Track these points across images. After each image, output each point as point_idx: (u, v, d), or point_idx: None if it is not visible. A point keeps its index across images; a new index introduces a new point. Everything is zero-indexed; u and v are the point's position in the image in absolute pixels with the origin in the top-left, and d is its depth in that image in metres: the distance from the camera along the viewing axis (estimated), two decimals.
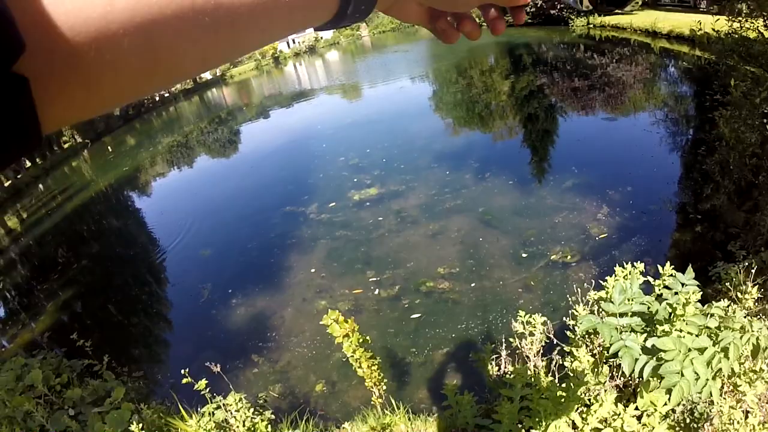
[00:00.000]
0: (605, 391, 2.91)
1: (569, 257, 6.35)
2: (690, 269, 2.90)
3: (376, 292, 6.56)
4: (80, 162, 26.50)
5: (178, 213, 12.24)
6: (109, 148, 28.10)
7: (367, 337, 3.44)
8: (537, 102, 15.48)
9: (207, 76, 60.52)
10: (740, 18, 6.79)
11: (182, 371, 3.35)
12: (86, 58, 0.27)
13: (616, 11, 28.33)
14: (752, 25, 6.63)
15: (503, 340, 3.66)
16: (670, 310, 2.87)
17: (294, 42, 71.40)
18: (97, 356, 4.74)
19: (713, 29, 7.38)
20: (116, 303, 8.52)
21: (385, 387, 3.74)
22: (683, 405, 2.74)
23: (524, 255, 6.66)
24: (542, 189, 8.79)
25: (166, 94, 52.35)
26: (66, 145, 28.78)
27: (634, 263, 3.37)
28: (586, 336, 3.30)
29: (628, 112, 12.84)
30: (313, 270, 7.53)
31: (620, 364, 2.85)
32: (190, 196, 14.15)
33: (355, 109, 21.27)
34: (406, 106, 18.57)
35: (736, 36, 6.70)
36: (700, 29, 7.47)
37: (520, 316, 3.41)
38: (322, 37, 70.56)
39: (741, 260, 4.83)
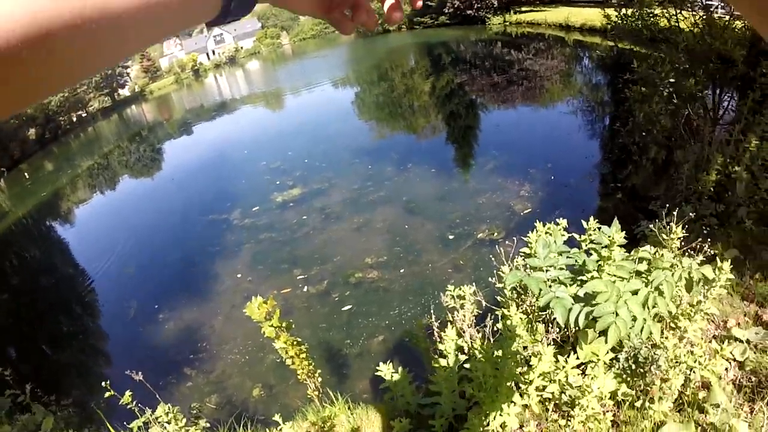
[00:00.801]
0: (542, 348, 2.78)
1: (495, 234, 6.39)
2: (616, 222, 2.86)
3: (305, 289, 6.36)
4: None
5: (102, 237, 11.73)
6: (26, 174, 26.54)
7: (291, 321, 3.21)
8: (458, 99, 15.75)
9: (125, 92, 58.82)
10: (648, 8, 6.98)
11: (103, 384, 3.16)
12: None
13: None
14: (662, 11, 6.83)
15: (438, 319, 3.53)
16: (598, 258, 2.80)
17: (214, 53, 70.50)
18: (22, 387, 4.33)
19: (622, 15, 7.56)
20: (41, 332, 8.01)
21: (320, 379, 3.57)
22: (626, 352, 2.65)
23: (451, 237, 6.63)
24: (465, 174, 8.88)
25: (84, 114, 50.37)
26: None
27: (557, 221, 3.32)
28: (516, 297, 3.21)
29: (547, 101, 13.30)
30: (239, 275, 7.26)
31: (554, 319, 2.78)
32: (113, 219, 13.46)
33: (276, 116, 21.14)
34: (328, 109, 18.52)
35: (643, 21, 6.90)
36: (605, 18, 7.69)
37: (449, 290, 3.30)
38: (242, 47, 70.15)
39: (662, 218, 4.95)
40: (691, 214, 4.78)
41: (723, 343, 2.92)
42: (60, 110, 49.20)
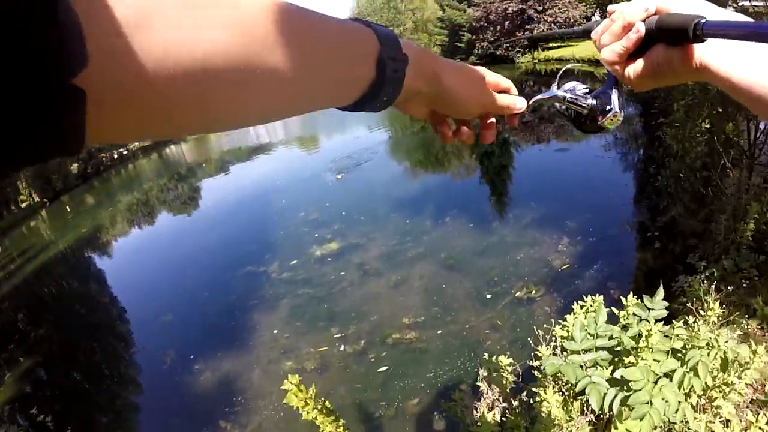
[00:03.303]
0: (577, 428, 2.79)
1: (534, 292, 6.32)
2: (660, 290, 2.86)
3: (342, 348, 6.37)
4: (39, 222, 25.46)
5: (140, 275, 11.91)
6: (67, 207, 27.11)
7: (327, 402, 3.25)
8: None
9: None
10: None
11: None
12: (144, 93, 0.29)
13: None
14: None
15: (474, 384, 3.54)
16: (634, 342, 2.81)
17: None
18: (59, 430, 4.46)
19: None
20: (78, 372, 8.14)
21: None
22: (659, 428, 2.64)
23: (488, 296, 6.59)
24: (502, 227, 8.81)
25: (125, 152, 51.74)
26: (23, 204, 27.68)
27: (594, 297, 3.32)
28: (553, 377, 3.20)
29: (579, 139, 13.15)
30: (275, 331, 7.31)
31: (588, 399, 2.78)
32: (151, 257, 13.72)
33: (312, 161, 21.31)
34: (362, 154, 18.63)
35: None
36: None
37: (486, 360, 3.31)
38: None
39: (702, 271, 4.89)
40: (727, 268, 4.70)
41: (761, 409, 2.93)
42: (102, 146, 50.64)
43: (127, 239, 16.75)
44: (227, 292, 9.23)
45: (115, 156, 46.66)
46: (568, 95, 0.75)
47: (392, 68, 0.49)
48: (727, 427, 2.72)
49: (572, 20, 32.81)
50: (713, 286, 3.65)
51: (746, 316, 3.97)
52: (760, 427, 2.66)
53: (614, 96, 0.73)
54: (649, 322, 2.78)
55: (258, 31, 0.36)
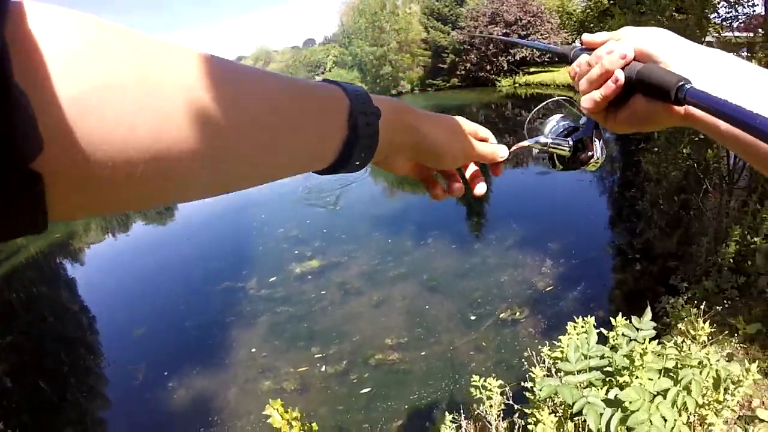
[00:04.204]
0: None
1: (518, 314, 6.32)
2: (648, 311, 2.93)
3: (323, 368, 6.25)
4: None
5: (112, 285, 11.63)
6: None
7: (314, 424, 3.16)
8: None
9: None
10: None
11: None
12: (98, 174, 0.29)
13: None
14: None
15: (460, 406, 3.48)
16: (628, 362, 2.81)
17: None
18: None
19: None
20: (46, 384, 7.81)
21: None
22: None
23: (472, 317, 6.56)
24: (485, 248, 8.82)
25: None
26: None
27: (585, 317, 3.32)
28: (546, 397, 3.17)
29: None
30: (254, 349, 7.16)
31: (584, 419, 2.77)
32: (124, 267, 13.41)
33: (293, 178, 21.17)
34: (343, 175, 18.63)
35: None
36: None
37: (475, 381, 3.26)
38: None
39: (684, 292, 4.97)
40: (709, 289, 4.78)
41: (748, 425, 3.00)
42: None
43: (101, 247, 16.37)
44: (203, 307, 9.04)
45: None
46: (550, 140, 0.74)
47: (364, 122, 0.48)
48: None
49: (554, 45, 33.52)
50: (702, 306, 3.69)
51: (728, 335, 4.04)
52: None
53: (596, 141, 0.72)
54: (638, 342, 2.81)
55: (218, 116, 0.34)
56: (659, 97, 0.53)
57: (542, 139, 0.74)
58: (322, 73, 76.55)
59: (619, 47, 0.59)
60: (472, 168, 0.69)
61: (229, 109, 0.35)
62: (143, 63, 0.30)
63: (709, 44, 6.87)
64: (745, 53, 6.74)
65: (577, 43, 0.71)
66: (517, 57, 34.09)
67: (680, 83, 0.50)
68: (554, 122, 0.76)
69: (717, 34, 6.84)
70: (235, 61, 0.40)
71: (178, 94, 0.32)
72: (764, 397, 3.39)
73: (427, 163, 0.62)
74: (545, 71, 31.29)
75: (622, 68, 0.58)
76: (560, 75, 27.42)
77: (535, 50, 33.03)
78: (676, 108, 0.54)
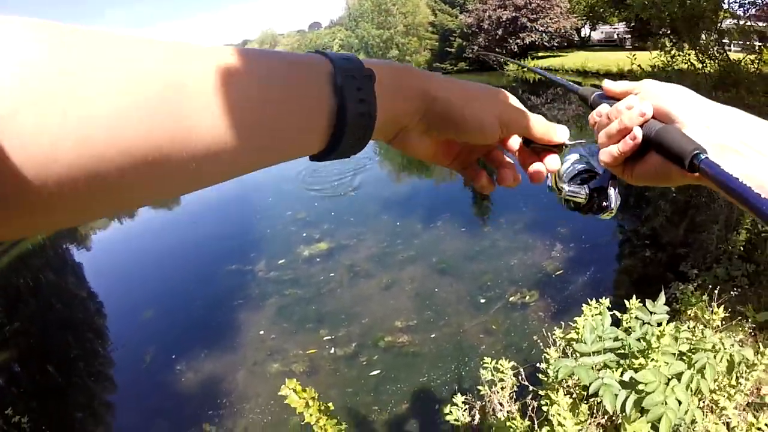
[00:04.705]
0: (586, 430, 2.77)
1: (527, 297, 6.30)
2: (662, 295, 2.94)
3: (332, 351, 6.26)
4: None
5: (119, 269, 11.69)
6: None
7: (330, 404, 3.16)
8: None
9: None
10: (671, 51, 7.17)
11: None
12: (24, 194, 0.27)
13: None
14: (684, 58, 6.98)
15: (471, 388, 3.48)
16: (645, 344, 2.80)
17: None
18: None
19: (648, 65, 7.81)
20: (54, 368, 7.89)
21: None
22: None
23: (482, 300, 6.55)
24: (494, 232, 8.79)
25: None
26: None
27: (599, 299, 3.31)
28: (560, 379, 3.17)
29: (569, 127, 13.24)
30: (262, 332, 7.18)
31: (599, 402, 2.78)
32: (131, 250, 13.39)
33: (300, 163, 21.12)
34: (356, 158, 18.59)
35: (669, 69, 7.03)
36: (633, 64, 7.88)
37: (487, 363, 3.25)
38: None
39: (694, 278, 4.96)
40: (719, 276, 4.76)
41: (758, 412, 2.98)
42: None
43: (107, 232, 16.35)
44: (211, 289, 9.06)
45: None
46: (567, 188, 0.74)
47: (353, 86, 0.41)
48: (729, 428, 2.77)
49: (563, 30, 33.18)
50: (716, 292, 3.68)
51: (738, 323, 4.04)
52: (759, 428, 2.69)
53: (612, 192, 0.72)
54: (651, 325, 2.81)
55: (184, 102, 0.31)
56: (674, 162, 0.53)
57: (565, 186, 0.74)
58: None
59: (638, 104, 0.58)
60: (521, 151, 0.62)
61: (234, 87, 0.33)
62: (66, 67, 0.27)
63: (726, 31, 6.82)
64: (758, 43, 6.68)
65: (599, 89, 0.72)
66: (527, 41, 33.81)
67: (695, 152, 0.50)
68: (570, 164, 0.75)
69: (734, 22, 6.77)
70: (228, 45, 0.37)
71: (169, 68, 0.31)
72: None
73: (455, 137, 0.53)
74: (554, 56, 31.03)
75: (641, 125, 0.58)
76: (568, 60, 27.20)
77: (544, 35, 33.11)
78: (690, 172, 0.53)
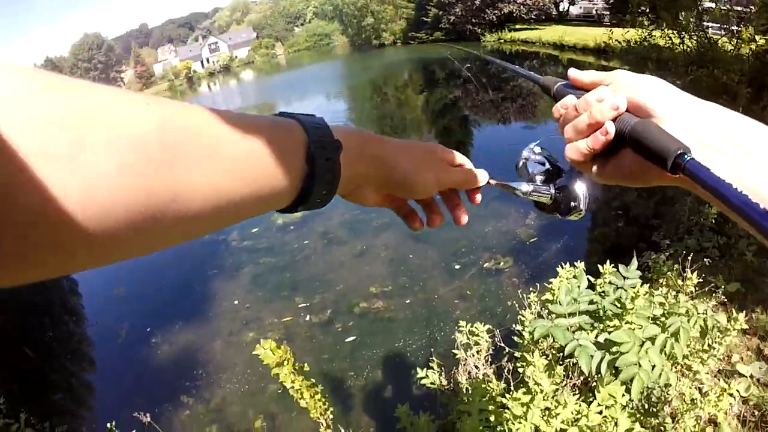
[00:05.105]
0: (562, 391, 2.81)
1: (502, 263, 6.36)
2: (634, 260, 2.98)
3: (307, 318, 6.28)
4: None
5: None
6: None
7: (305, 365, 3.15)
8: (451, 114, 15.77)
9: None
10: (648, 28, 7.23)
11: (108, 426, 3.09)
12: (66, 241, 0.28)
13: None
14: (662, 33, 7.03)
15: (446, 353, 3.50)
16: (619, 306, 2.83)
17: (208, 61, 70.71)
18: (14, 412, 4.32)
19: (625, 40, 7.89)
20: (28, 348, 7.78)
21: (332, 416, 3.46)
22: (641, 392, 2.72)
23: (456, 266, 6.60)
24: (467, 200, 8.74)
25: None
26: None
27: (573, 263, 3.33)
28: (535, 341, 3.20)
29: (541, 120, 13.27)
30: (236, 301, 7.17)
31: (574, 363, 2.81)
32: None
33: None
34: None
35: (646, 44, 7.08)
36: (611, 39, 7.92)
37: (462, 326, 3.27)
38: (237, 57, 70.54)
39: (666, 248, 5.05)
40: (690, 247, 4.86)
41: (729, 379, 3.09)
42: None
43: None
44: (184, 261, 8.98)
45: None
46: (531, 188, 0.69)
47: (323, 156, 0.46)
48: (701, 393, 2.82)
49: (541, 3, 32.98)
50: (688, 261, 3.73)
51: (708, 293, 4.14)
52: (731, 393, 2.75)
53: (579, 192, 0.67)
54: (625, 289, 2.84)
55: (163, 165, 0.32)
56: (653, 161, 0.48)
57: (524, 187, 0.69)
58: (302, 24, 74.82)
59: (610, 97, 0.54)
60: (450, 196, 0.66)
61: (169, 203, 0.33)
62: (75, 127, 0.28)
63: (705, 11, 6.86)
64: (735, 27, 6.74)
65: (563, 79, 0.66)
66: (504, 11, 33.54)
67: (679, 151, 0.46)
68: (530, 158, 0.73)
69: (713, 4, 6.83)
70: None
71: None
72: (743, 354, 3.48)
73: (399, 194, 0.60)
74: (531, 29, 30.90)
75: (613, 119, 0.53)
76: (546, 33, 27.08)
77: (522, 6, 32.89)
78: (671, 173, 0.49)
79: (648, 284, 3.93)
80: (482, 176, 0.67)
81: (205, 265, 8.50)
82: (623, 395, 2.77)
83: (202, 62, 70.91)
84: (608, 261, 3.05)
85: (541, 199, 0.69)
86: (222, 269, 8.27)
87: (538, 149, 0.74)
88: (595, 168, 0.58)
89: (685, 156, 0.45)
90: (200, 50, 72.65)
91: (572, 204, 0.67)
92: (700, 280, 3.49)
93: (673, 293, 3.15)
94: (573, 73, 0.63)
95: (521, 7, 33.16)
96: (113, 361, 6.83)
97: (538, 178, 0.71)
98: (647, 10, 7.74)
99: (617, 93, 0.54)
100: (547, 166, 0.71)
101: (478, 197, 0.68)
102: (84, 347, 7.84)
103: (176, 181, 0.33)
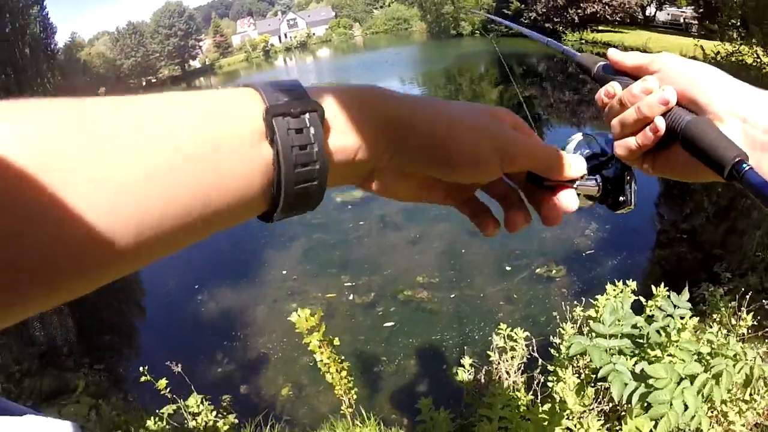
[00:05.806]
0: (589, 414, 2.74)
1: (554, 271, 6.20)
2: (686, 290, 2.80)
3: (351, 297, 6.33)
4: None
5: None
6: None
7: (336, 339, 3.19)
8: (524, 112, 15.43)
9: (196, 64, 60.91)
10: (737, 42, 6.88)
11: (141, 369, 3.19)
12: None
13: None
14: (750, 51, 6.68)
15: (481, 353, 3.47)
16: (665, 336, 2.72)
17: (286, 36, 71.68)
18: (59, 344, 4.58)
19: (714, 53, 7.54)
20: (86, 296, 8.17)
21: (355, 396, 3.47)
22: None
23: (508, 268, 6.50)
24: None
25: (153, 80, 52.23)
26: None
27: (626, 281, 3.21)
28: (570, 357, 3.13)
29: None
30: (285, 272, 7.31)
31: (607, 387, 2.73)
32: None
33: None
34: None
35: (734, 61, 6.74)
36: (700, 51, 7.56)
37: (501, 330, 3.22)
38: (314, 34, 71.17)
39: (726, 282, 4.81)
40: (752, 285, 4.60)
41: None
42: (132, 73, 51.32)
43: None
44: (238, 227, 9.07)
45: (143, 83, 47.11)
46: (578, 183, 0.58)
47: (285, 128, 0.32)
48: None
49: (627, 5, 31.64)
50: (746, 299, 3.54)
51: (764, 336, 3.91)
52: None
53: (628, 188, 0.60)
54: (673, 318, 2.70)
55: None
56: (708, 165, 0.45)
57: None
58: (381, 7, 74.44)
59: (658, 90, 0.49)
60: (531, 186, 0.47)
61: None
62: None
63: None
64: None
65: (604, 59, 0.61)
66: (587, 11, 32.38)
67: (737, 159, 0.43)
68: (576, 146, 0.62)
69: None
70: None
71: None
72: None
73: (441, 176, 0.41)
74: (615, 31, 29.78)
75: (663, 114, 0.49)
76: (629, 37, 25.99)
77: (607, 7, 31.68)
78: None
79: (699, 317, 3.77)
80: (577, 164, 0.47)
81: (259, 233, 8.65)
82: (650, 431, 2.68)
83: (279, 37, 71.84)
84: (663, 284, 2.94)
85: (589, 191, 0.63)
86: (275, 239, 8.42)
87: (585, 138, 0.66)
88: (645, 161, 0.54)
89: (744, 165, 0.43)
90: (279, 25, 73.51)
91: (621, 198, 0.62)
92: (755, 323, 3.28)
93: (724, 332, 2.98)
94: (614, 54, 0.57)
95: (606, 7, 31.86)
96: (160, 311, 7.14)
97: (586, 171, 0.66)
98: (737, 23, 7.31)
99: (666, 84, 0.50)
100: (596, 154, 0.64)
101: (567, 201, 0.46)
102: (137, 294, 8.16)
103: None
